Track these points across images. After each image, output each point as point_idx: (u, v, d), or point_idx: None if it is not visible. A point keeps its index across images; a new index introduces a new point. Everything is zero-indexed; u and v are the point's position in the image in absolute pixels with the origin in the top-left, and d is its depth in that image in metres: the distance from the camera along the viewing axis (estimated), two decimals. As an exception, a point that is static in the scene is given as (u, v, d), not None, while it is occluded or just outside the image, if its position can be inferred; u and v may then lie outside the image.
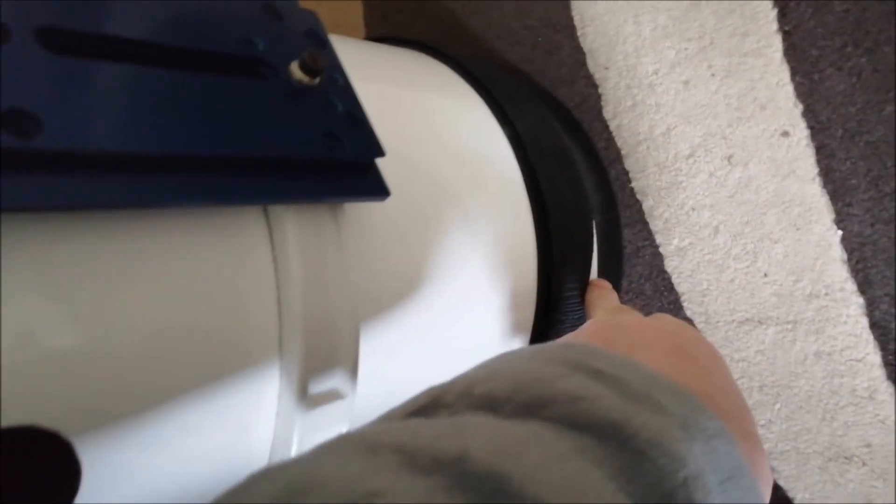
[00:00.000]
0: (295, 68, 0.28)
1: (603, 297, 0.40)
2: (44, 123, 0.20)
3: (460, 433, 0.15)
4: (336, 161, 0.28)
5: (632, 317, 0.33)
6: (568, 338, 0.28)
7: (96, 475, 0.23)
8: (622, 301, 0.50)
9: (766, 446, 0.45)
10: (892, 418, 0.40)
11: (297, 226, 0.27)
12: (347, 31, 0.66)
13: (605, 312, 0.37)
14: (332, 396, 0.29)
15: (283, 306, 0.28)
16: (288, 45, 0.29)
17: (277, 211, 0.27)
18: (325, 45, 0.30)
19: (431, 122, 0.38)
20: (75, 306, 0.22)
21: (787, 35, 0.42)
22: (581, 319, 0.45)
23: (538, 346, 0.23)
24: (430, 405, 0.18)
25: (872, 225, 0.40)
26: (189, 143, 0.23)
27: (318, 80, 0.28)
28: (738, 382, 0.46)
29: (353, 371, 0.30)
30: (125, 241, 0.23)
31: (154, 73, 0.24)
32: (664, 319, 0.29)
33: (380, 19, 0.64)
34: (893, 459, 0.40)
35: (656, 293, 0.49)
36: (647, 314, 0.46)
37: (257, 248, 0.27)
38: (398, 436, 0.15)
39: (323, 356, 0.28)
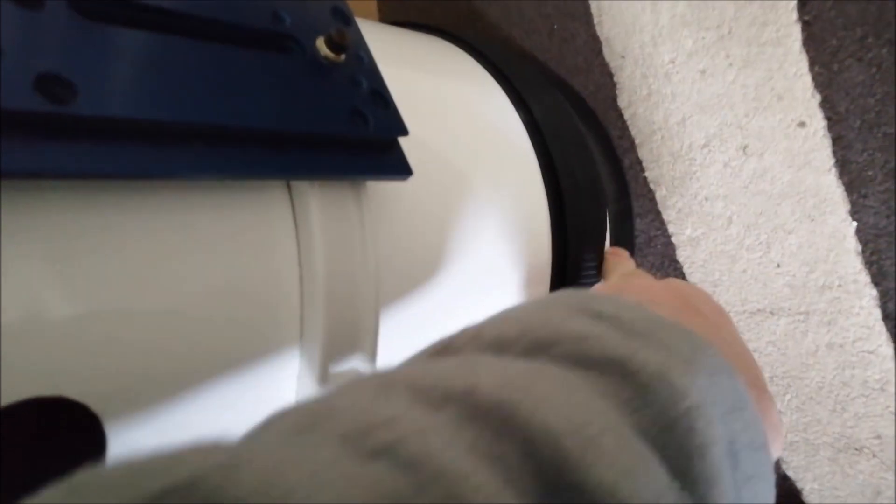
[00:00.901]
0: (321, 44, 0.28)
1: (619, 264, 0.40)
2: (78, 89, 0.19)
3: (470, 369, 0.16)
4: (360, 138, 0.28)
5: (644, 279, 0.34)
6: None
7: (120, 447, 0.23)
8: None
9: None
10: (904, 410, 0.40)
11: (320, 202, 0.27)
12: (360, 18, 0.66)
13: (620, 277, 0.38)
14: (352, 376, 0.29)
15: (304, 284, 0.28)
16: (314, 21, 0.29)
17: (301, 187, 0.27)
18: (351, 23, 0.30)
19: (450, 104, 0.38)
20: (96, 276, 0.22)
21: (806, 25, 0.42)
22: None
23: (546, 296, 0.24)
24: (441, 350, 0.19)
25: (888, 217, 0.40)
26: (216, 114, 0.23)
27: (343, 57, 0.28)
28: (748, 373, 0.46)
29: (372, 351, 0.30)
30: (149, 211, 0.23)
31: (185, 43, 0.23)
32: (674, 282, 0.30)
33: (396, 6, 0.64)
34: (904, 451, 0.40)
35: (667, 283, 0.49)
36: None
37: (280, 224, 0.27)
38: (410, 374, 0.16)
39: (343, 335, 0.28)
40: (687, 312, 0.26)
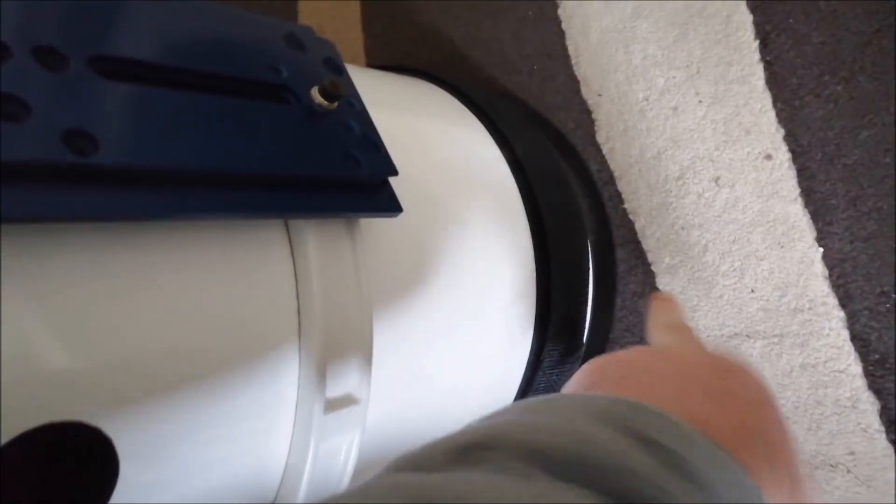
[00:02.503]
0: (316, 94, 0.30)
1: (664, 311, 0.36)
2: (99, 142, 0.22)
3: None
4: (353, 179, 0.30)
5: (686, 346, 0.31)
6: (594, 371, 0.27)
7: (131, 468, 0.25)
8: (616, 323, 0.52)
9: (755, 456, 0.47)
10: (874, 426, 0.42)
11: (316, 239, 0.29)
12: (348, 59, 0.68)
13: (664, 331, 0.34)
14: (348, 401, 0.31)
15: (302, 316, 0.30)
16: (309, 72, 0.31)
17: (298, 225, 0.29)
18: (343, 73, 0.33)
19: (436, 145, 0.40)
20: (109, 314, 0.24)
21: (768, 64, 0.45)
22: (575, 332, 0.47)
23: (580, 397, 0.22)
24: (472, 448, 0.18)
25: (851, 242, 0.42)
26: (219, 160, 0.25)
27: (336, 104, 0.30)
28: (728, 394, 0.48)
29: (366, 376, 0.31)
30: (158, 251, 0.25)
31: (191, 96, 0.26)
32: (717, 359, 0.27)
33: (382, 48, 0.66)
34: (876, 466, 0.42)
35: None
36: (638, 332, 0.48)
37: (278, 260, 0.29)
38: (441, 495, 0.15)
39: (338, 362, 0.30)
40: (725, 404, 0.24)
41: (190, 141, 0.24)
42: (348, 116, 0.31)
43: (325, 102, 0.30)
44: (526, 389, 0.44)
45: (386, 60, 0.67)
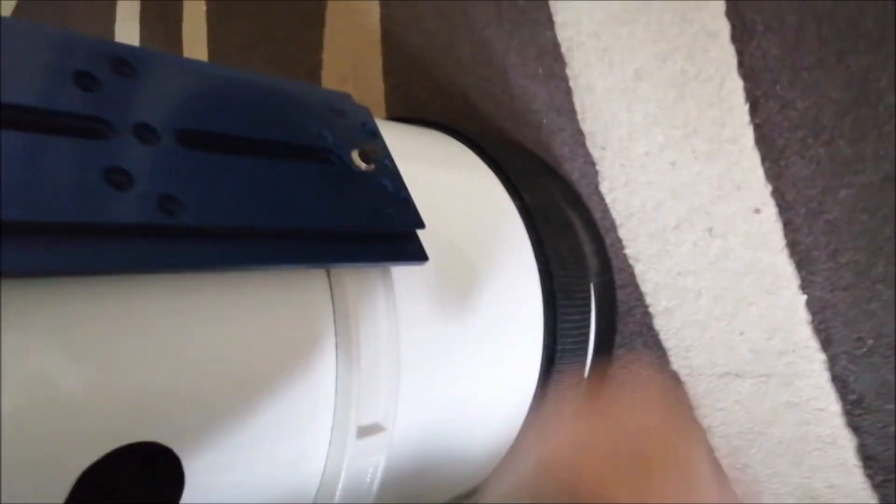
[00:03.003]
0: (356, 156, 0.34)
1: None
2: (184, 205, 0.26)
3: None
4: (386, 232, 0.34)
5: None
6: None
7: (192, 484, 0.28)
8: (615, 360, 0.56)
9: (742, 488, 0.51)
10: (852, 461, 0.45)
11: (353, 285, 0.33)
12: (369, 105, 0.73)
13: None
14: (376, 429, 0.35)
15: (339, 351, 0.33)
16: (349, 136, 0.35)
17: (339, 272, 0.33)
18: (377, 136, 0.37)
19: (456, 196, 0.45)
20: (185, 348, 0.28)
21: (757, 126, 0.49)
22: (576, 355, 0.51)
23: None
24: None
25: (832, 291, 0.46)
26: (278, 218, 0.30)
27: (374, 165, 0.34)
28: (720, 430, 0.52)
29: (393, 408, 0.35)
30: (229, 291, 0.29)
31: (255, 161, 0.30)
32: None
33: (401, 97, 0.71)
34: (854, 499, 0.45)
35: (646, 348, 0.55)
36: (634, 369, 0.52)
37: (321, 303, 0.33)
38: None
39: (370, 395, 0.34)
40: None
41: (255, 201, 0.29)
42: (383, 175, 0.35)
43: (363, 164, 0.34)
44: (533, 417, 0.48)
45: (404, 108, 0.72)
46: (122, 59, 0.27)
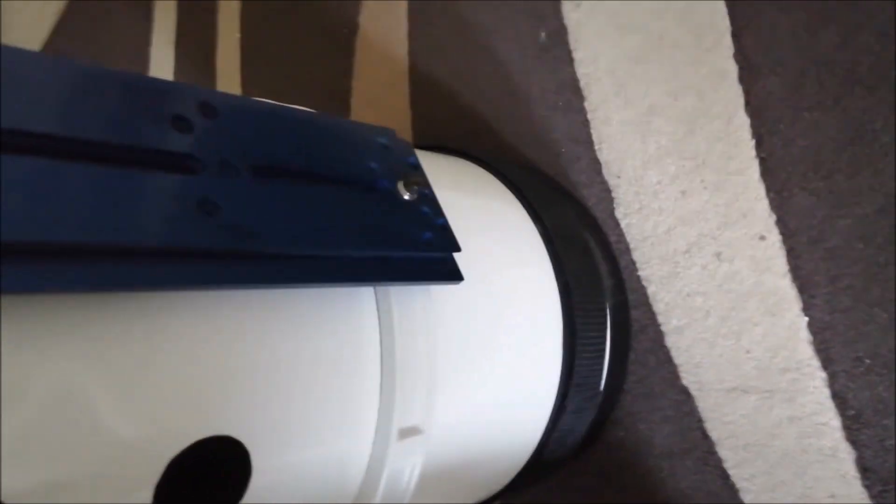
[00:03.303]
0: (401, 187, 0.38)
1: None
2: (257, 233, 0.30)
3: None
4: (427, 256, 0.38)
5: None
6: None
7: (257, 479, 0.32)
8: (629, 376, 0.60)
9: (749, 498, 0.54)
10: (851, 473, 0.49)
11: (396, 301, 0.38)
12: (398, 129, 0.78)
13: None
14: (414, 431, 0.39)
15: (384, 359, 0.37)
16: (395, 168, 0.39)
17: (384, 290, 0.37)
18: (419, 168, 0.41)
19: (484, 220, 0.49)
20: (248, 354, 0.32)
21: (762, 160, 0.53)
22: (594, 382, 0.54)
23: None
24: None
25: (831, 314, 0.50)
26: (333, 244, 0.34)
27: (416, 196, 0.39)
28: (727, 442, 0.55)
29: (430, 412, 0.39)
30: (293, 306, 0.33)
31: (316, 191, 0.34)
32: None
33: (427, 124, 0.76)
34: (852, 507, 0.49)
35: (658, 364, 0.59)
36: (648, 384, 0.56)
37: (369, 316, 0.37)
38: None
39: (409, 400, 0.38)
40: None
41: (314, 227, 0.33)
42: (424, 204, 0.39)
43: (407, 194, 0.38)
44: (552, 429, 0.51)
45: (430, 135, 0.76)
46: (207, 103, 0.32)
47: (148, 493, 0.28)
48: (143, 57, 1.22)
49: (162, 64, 1.16)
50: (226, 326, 0.31)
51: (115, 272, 0.25)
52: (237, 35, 1.03)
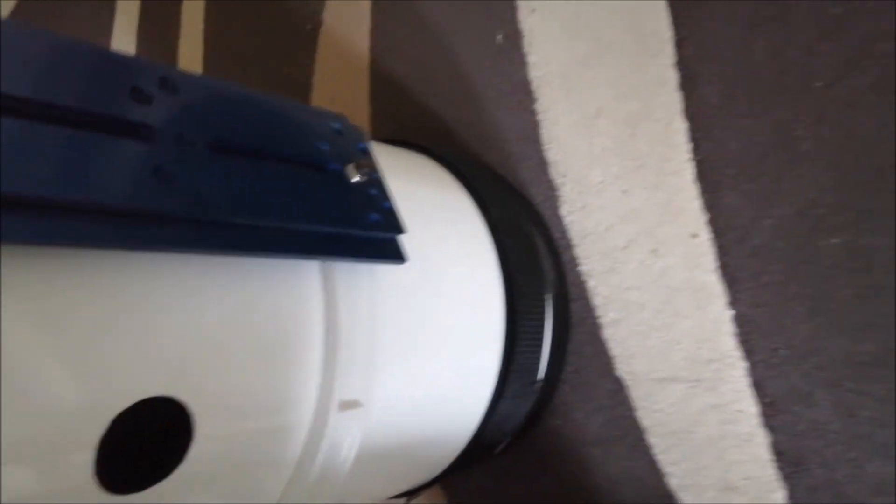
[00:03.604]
0: (351, 169, 0.40)
1: None
2: (208, 202, 0.31)
3: None
4: (373, 235, 0.40)
5: None
6: None
7: (199, 439, 0.34)
8: (566, 366, 0.63)
9: (674, 482, 0.57)
10: (766, 457, 0.52)
11: (342, 277, 0.39)
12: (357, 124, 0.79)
13: None
14: (354, 405, 0.40)
15: (327, 334, 0.39)
16: (346, 152, 0.41)
17: (330, 265, 0.39)
18: (368, 154, 0.43)
19: (432, 208, 0.51)
20: (200, 321, 0.33)
21: (697, 163, 0.56)
22: (533, 369, 0.57)
23: None
24: None
25: (754, 307, 0.53)
26: (284, 216, 0.35)
27: (365, 178, 0.41)
28: (656, 429, 0.58)
29: (371, 387, 0.41)
30: (243, 274, 0.35)
31: (269, 168, 0.36)
32: None
33: (385, 120, 0.78)
34: (765, 489, 0.52)
35: (594, 356, 0.61)
36: (584, 374, 0.59)
37: (315, 290, 0.39)
38: None
39: (351, 373, 0.40)
40: None
41: (266, 201, 0.35)
42: (371, 187, 0.41)
43: (357, 176, 0.40)
44: (491, 413, 0.54)
45: (388, 130, 0.78)
46: (167, 79, 0.33)
47: (91, 450, 0.30)
48: (104, 44, 1.21)
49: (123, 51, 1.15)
50: (175, 291, 0.32)
51: (73, 228, 0.27)
52: (201, 26, 1.04)
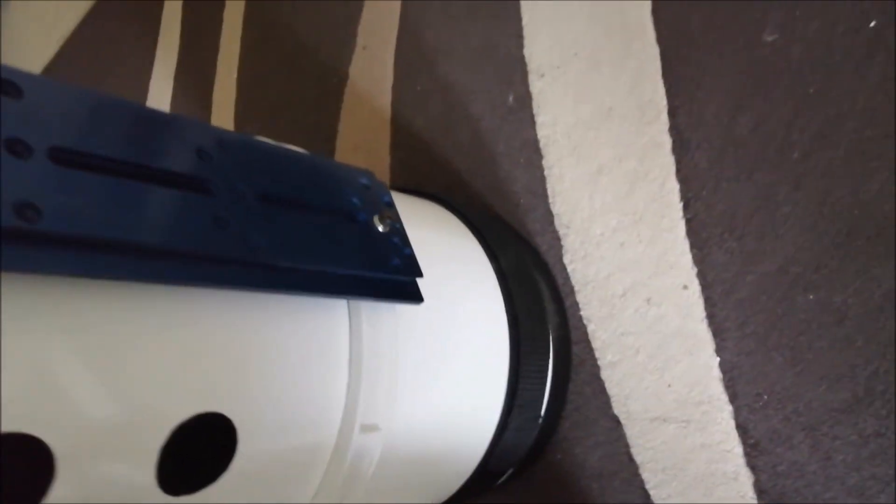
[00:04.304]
0: (376, 220, 0.46)
1: None
2: (257, 247, 0.37)
3: None
4: (394, 279, 0.46)
5: None
6: None
7: (241, 452, 0.39)
8: (567, 404, 0.67)
9: (665, 515, 0.61)
10: (749, 495, 0.56)
11: (367, 315, 0.45)
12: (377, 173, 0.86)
13: None
14: (374, 428, 0.45)
15: (352, 364, 0.44)
16: (373, 204, 0.47)
17: (357, 304, 0.45)
18: (392, 206, 0.49)
19: (446, 255, 0.56)
20: (240, 357, 0.39)
21: (688, 221, 0.62)
22: (535, 406, 0.62)
23: None
24: None
25: (738, 355, 0.58)
26: (320, 261, 0.41)
27: (388, 228, 0.46)
28: (649, 465, 0.62)
29: (390, 413, 0.46)
30: (278, 312, 0.40)
31: (306, 216, 0.41)
32: None
33: (404, 169, 0.84)
34: (748, 524, 0.56)
35: (593, 395, 0.66)
36: (584, 411, 0.63)
37: (341, 325, 0.44)
38: None
39: (372, 400, 0.45)
40: None
41: (305, 246, 0.40)
42: (394, 235, 0.47)
43: (381, 226, 0.46)
44: (496, 443, 0.58)
45: (406, 179, 0.84)
46: (223, 140, 0.39)
47: (155, 455, 0.35)
48: (143, 87, 1.29)
49: (160, 95, 1.23)
50: (228, 323, 0.38)
51: (151, 268, 0.32)
52: (235, 75, 1.12)
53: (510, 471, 0.65)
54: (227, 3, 1.17)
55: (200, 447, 0.38)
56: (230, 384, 0.38)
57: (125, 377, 0.33)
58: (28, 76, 0.33)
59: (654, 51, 0.66)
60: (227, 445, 0.38)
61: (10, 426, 0.30)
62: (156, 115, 0.37)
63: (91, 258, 0.31)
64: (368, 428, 0.45)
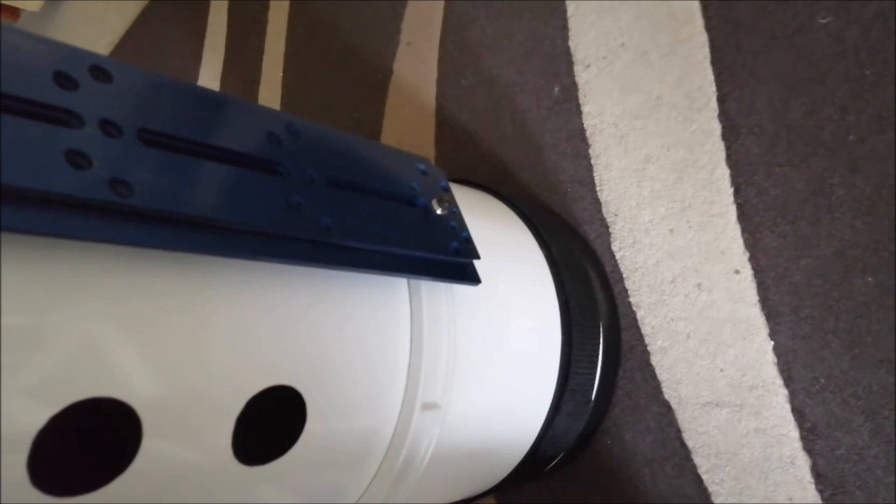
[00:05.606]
0: (435, 203, 0.47)
1: None
2: (328, 228, 0.39)
3: None
4: (453, 260, 0.47)
5: None
6: None
7: (309, 426, 0.40)
8: (617, 389, 0.67)
9: (719, 500, 0.61)
10: (807, 479, 0.56)
11: (426, 294, 0.46)
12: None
13: None
14: (434, 406, 0.46)
15: (413, 342, 0.46)
16: (431, 189, 0.48)
17: (416, 284, 0.46)
18: (449, 191, 0.50)
19: (501, 241, 0.57)
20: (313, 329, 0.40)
21: (739, 206, 0.62)
22: (586, 390, 0.62)
23: None
24: None
25: (793, 339, 0.58)
26: (384, 241, 0.42)
27: (446, 212, 0.47)
28: (702, 450, 0.62)
29: (448, 392, 0.47)
30: (345, 288, 0.42)
31: (370, 200, 0.43)
32: None
33: (449, 162, 0.85)
34: (806, 508, 0.56)
35: (643, 381, 0.66)
36: (634, 397, 0.63)
37: (402, 304, 0.45)
38: None
39: (433, 378, 0.46)
40: None
41: (370, 227, 0.41)
42: (452, 219, 0.48)
43: (439, 210, 0.47)
44: (548, 428, 0.59)
45: (452, 172, 0.85)
46: (293, 127, 0.41)
47: (230, 423, 0.36)
48: (188, 88, 1.33)
49: (207, 95, 1.26)
50: (298, 298, 0.39)
51: (233, 244, 0.34)
52: (279, 74, 1.14)
53: (560, 456, 0.65)
54: (272, 3, 1.20)
55: (269, 423, 0.40)
56: (301, 358, 0.39)
57: (206, 348, 0.35)
58: (117, 63, 0.34)
59: (702, 38, 0.66)
60: (294, 422, 0.40)
61: (104, 392, 0.31)
62: (229, 99, 0.38)
63: (177, 233, 0.32)
64: (429, 406, 0.46)
